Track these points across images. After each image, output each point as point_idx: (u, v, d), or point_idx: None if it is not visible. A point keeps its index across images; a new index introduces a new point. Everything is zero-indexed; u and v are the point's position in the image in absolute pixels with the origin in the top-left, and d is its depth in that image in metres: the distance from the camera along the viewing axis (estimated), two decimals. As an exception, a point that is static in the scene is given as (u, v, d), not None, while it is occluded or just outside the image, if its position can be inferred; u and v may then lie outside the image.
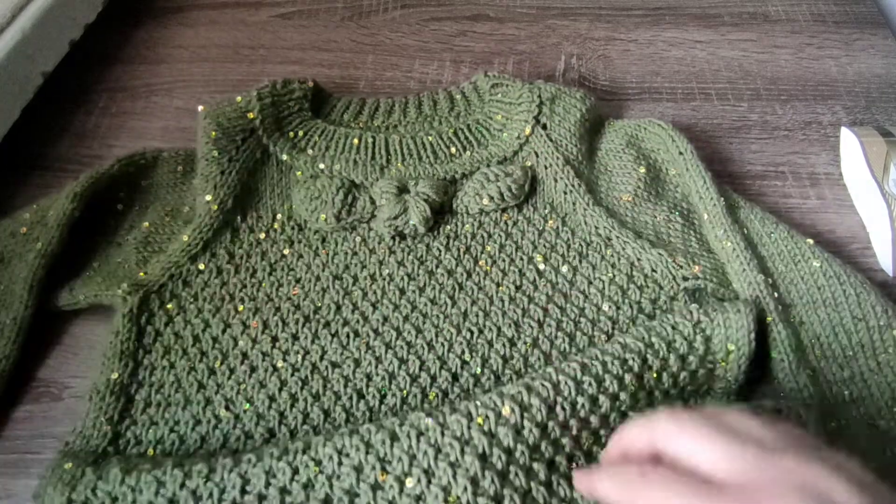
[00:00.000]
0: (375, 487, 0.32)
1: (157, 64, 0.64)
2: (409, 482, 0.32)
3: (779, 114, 0.54)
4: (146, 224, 0.48)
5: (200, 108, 0.50)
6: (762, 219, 0.46)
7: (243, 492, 0.33)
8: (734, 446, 0.27)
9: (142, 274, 0.44)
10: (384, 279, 0.45)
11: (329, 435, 0.34)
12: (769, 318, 0.41)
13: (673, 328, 0.38)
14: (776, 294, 0.42)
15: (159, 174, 0.50)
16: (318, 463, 0.33)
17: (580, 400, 0.34)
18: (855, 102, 0.57)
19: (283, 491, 0.33)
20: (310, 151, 0.50)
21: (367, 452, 0.33)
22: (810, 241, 0.44)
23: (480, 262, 0.46)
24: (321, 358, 0.41)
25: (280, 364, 0.41)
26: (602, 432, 0.35)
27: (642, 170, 0.49)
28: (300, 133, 0.51)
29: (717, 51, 0.59)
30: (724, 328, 0.38)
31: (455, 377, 0.40)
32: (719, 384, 0.38)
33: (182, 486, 0.33)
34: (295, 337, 0.42)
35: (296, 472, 0.33)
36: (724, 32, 0.64)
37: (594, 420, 0.35)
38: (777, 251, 0.44)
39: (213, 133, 0.48)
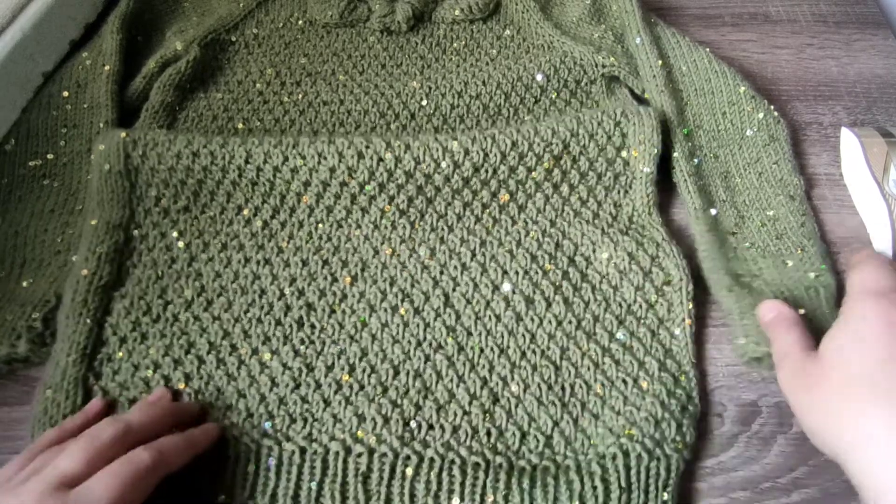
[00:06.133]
0: (342, 184, 0.47)
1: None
2: (368, 187, 0.47)
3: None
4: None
5: None
6: (673, 33, 0.59)
7: (246, 161, 0.47)
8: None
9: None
10: (372, 58, 0.60)
11: (313, 139, 0.47)
12: (661, 94, 0.53)
13: (598, 124, 0.48)
14: (669, 78, 0.55)
15: None
16: (304, 158, 0.47)
17: (502, 167, 0.47)
18: (856, 103, 0.57)
19: (276, 169, 0.47)
20: None
21: (339, 160, 0.46)
22: (707, 49, 0.57)
23: (448, 53, 0.60)
24: (316, 98, 0.56)
25: (286, 99, 0.56)
26: (518, 195, 0.48)
27: (588, 0, 0.62)
28: None
29: (718, 51, 0.59)
30: (637, 126, 0.48)
31: (412, 116, 0.55)
32: (637, 177, 0.49)
33: (204, 146, 0.47)
34: (298, 83, 0.58)
35: (286, 159, 0.47)
36: (724, 33, 0.64)
37: (511, 183, 0.48)
38: (679, 53, 0.57)
39: None
